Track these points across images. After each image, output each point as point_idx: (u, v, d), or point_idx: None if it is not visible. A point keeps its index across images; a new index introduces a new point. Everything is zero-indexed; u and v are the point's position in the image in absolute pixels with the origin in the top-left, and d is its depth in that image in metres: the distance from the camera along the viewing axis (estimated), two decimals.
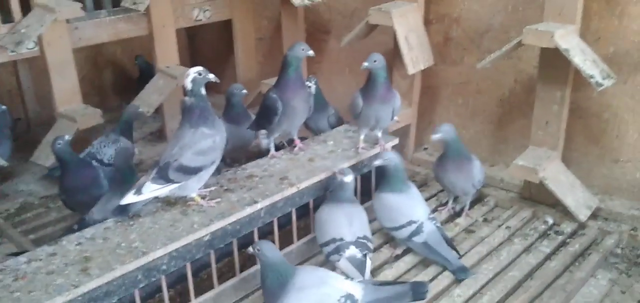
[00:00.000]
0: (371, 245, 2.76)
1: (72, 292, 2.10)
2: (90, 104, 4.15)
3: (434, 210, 3.41)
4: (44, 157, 3.94)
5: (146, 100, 4.37)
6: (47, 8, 3.63)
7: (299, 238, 2.99)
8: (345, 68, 4.61)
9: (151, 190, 2.43)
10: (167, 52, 4.47)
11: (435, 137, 3.04)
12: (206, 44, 5.64)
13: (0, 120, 3.84)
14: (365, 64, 2.88)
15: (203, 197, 2.63)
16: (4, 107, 3.89)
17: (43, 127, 4.72)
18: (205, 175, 2.54)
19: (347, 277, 2.45)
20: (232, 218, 2.55)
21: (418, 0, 3.74)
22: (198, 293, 2.60)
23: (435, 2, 3.91)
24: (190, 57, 5.66)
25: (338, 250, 2.65)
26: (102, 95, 5.26)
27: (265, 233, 2.84)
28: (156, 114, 4.61)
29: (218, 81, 2.54)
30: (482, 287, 2.78)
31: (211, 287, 2.66)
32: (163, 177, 2.44)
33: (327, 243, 2.69)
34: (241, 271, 2.74)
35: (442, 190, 3.62)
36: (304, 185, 2.83)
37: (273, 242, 2.84)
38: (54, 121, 4.09)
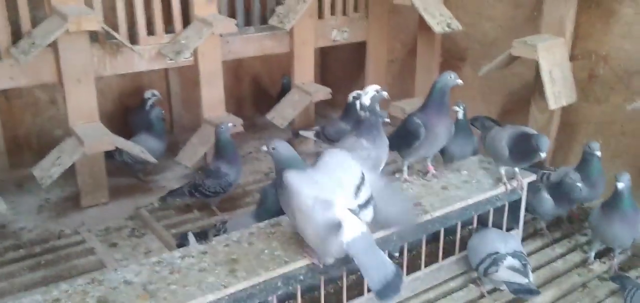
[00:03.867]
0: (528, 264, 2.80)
1: (221, 291, 2.26)
2: (229, 112, 4.44)
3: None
4: (187, 158, 4.26)
5: (281, 113, 4.60)
6: (205, 22, 3.93)
7: (426, 265, 3.01)
8: (477, 96, 4.57)
9: None
10: (304, 69, 4.67)
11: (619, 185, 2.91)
12: (337, 63, 5.81)
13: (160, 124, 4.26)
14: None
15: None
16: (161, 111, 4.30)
17: (185, 130, 5.11)
18: None
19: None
20: None
21: (565, 36, 3.64)
22: None
23: (583, 38, 3.78)
24: (321, 75, 5.85)
25: (495, 262, 2.71)
26: (240, 105, 5.58)
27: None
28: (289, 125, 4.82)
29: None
30: None
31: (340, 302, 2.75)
32: None
33: (482, 261, 2.77)
34: (368, 291, 2.81)
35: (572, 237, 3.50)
36: (437, 213, 2.84)
37: (401, 266, 2.91)
38: (196, 125, 4.42)
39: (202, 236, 3.18)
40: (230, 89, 5.43)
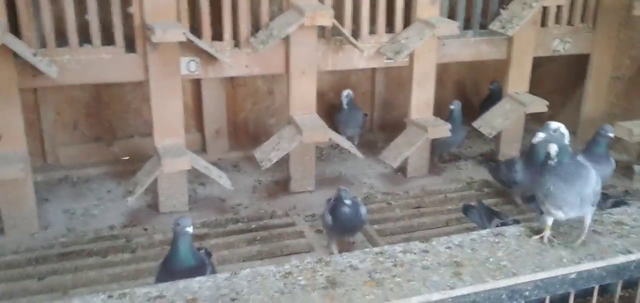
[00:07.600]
0: None
1: (447, 292, 2.22)
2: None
3: None
4: (391, 157, 4.28)
5: (490, 121, 4.44)
6: (428, 24, 3.93)
7: None
8: None
9: None
10: (519, 78, 4.49)
11: None
12: (549, 74, 5.46)
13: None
14: None
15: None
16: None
17: (384, 129, 5.19)
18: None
19: None
20: (602, 263, 2.40)
21: None
22: None
23: None
24: (529, 84, 5.56)
25: None
26: (441, 110, 5.49)
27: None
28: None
29: None
30: None
31: None
32: None
33: None
34: None
35: None
36: None
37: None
38: (396, 126, 4.43)
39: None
40: None
